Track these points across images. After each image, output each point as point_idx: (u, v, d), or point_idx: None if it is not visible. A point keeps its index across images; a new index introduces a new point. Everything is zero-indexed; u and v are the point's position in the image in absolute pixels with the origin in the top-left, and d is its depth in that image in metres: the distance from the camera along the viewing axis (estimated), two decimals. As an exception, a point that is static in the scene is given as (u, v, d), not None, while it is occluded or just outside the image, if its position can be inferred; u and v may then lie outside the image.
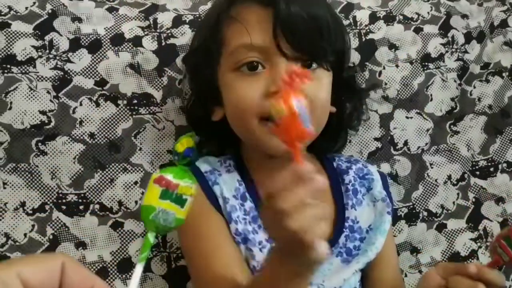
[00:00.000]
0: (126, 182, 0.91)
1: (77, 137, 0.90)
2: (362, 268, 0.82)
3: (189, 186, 0.60)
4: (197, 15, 0.98)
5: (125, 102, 0.92)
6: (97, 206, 0.90)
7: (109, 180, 0.90)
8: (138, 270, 0.56)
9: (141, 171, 0.92)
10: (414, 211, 1.00)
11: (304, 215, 0.53)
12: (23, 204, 0.88)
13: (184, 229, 0.81)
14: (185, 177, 0.60)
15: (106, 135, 0.91)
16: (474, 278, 0.66)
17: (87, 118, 0.91)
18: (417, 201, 1.00)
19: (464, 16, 1.07)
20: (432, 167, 1.02)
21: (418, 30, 1.04)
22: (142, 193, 0.90)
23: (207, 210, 0.79)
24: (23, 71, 0.89)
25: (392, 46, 1.03)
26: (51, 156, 0.89)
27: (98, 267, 0.89)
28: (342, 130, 0.92)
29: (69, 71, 0.91)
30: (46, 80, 0.90)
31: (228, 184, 0.81)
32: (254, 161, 0.85)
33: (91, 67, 0.92)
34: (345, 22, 1.01)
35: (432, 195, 1.01)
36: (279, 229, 0.54)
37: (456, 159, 1.02)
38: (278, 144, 0.73)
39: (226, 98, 0.80)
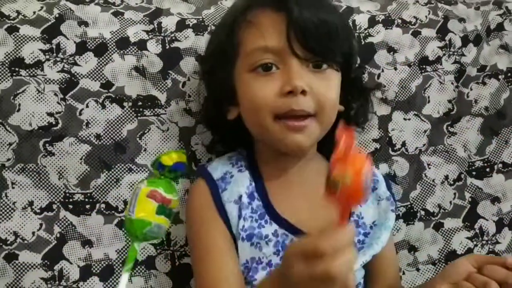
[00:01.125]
0: (131, 182, 0.93)
1: (84, 138, 0.92)
2: (368, 260, 0.86)
3: (177, 200, 0.62)
4: (200, 19, 1.00)
5: (130, 104, 0.95)
6: (103, 205, 0.92)
7: (114, 180, 0.93)
8: (124, 280, 0.58)
9: (146, 171, 0.94)
10: (412, 210, 1.02)
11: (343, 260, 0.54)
12: (31, 204, 0.90)
13: (188, 232, 0.88)
14: (173, 191, 0.62)
15: (112, 136, 0.93)
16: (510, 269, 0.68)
17: (94, 120, 0.93)
18: (415, 201, 1.03)
19: (461, 20, 1.09)
20: (429, 168, 1.04)
21: (416, 34, 1.07)
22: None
23: (212, 218, 0.83)
24: (31, 74, 0.92)
25: (391, 49, 1.05)
26: (58, 156, 0.91)
27: (104, 265, 0.91)
28: None
29: (75, 74, 0.93)
30: (53, 83, 0.92)
31: (240, 181, 0.85)
32: (265, 158, 0.88)
33: (97, 70, 0.94)
34: (345, 26, 1.04)
35: (430, 194, 1.03)
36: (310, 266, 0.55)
37: (453, 160, 1.05)
38: (290, 142, 0.80)
39: (242, 97, 0.84)
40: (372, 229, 0.88)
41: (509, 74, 1.08)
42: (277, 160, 0.86)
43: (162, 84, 0.96)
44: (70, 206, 0.91)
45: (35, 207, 0.90)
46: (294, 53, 0.79)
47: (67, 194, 0.91)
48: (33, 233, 0.89)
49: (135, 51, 0.96)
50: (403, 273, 1.01)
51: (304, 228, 0.83)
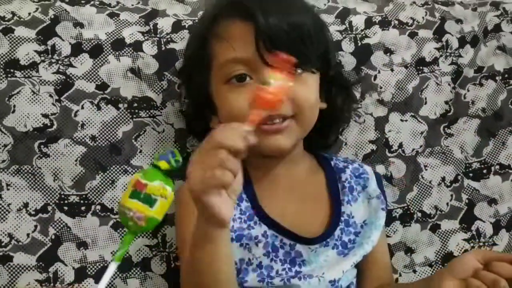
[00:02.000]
0: (126, 184, 0.93)
1: (79, 140, 0.92)
2: (359, 260, 0.86)
3: (158, 187, 0.60)
4: (196, 21, 1.00)
5: (125, 105, 0.94)
6: (98, 207, 0.92)
7: (110, 181, 0.93)
8: (112, 268, 0.58)
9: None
10: (408, 212, 1.02)
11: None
12: (26, 205, 0.90)
13: (176, 225, 0.87)
14: (158, 178, 0.61)
15: (107, 137, 0.93)
16: None
17: (89, 121, 0.93)
18: (412, 202, 1.02)
19: (459, 21, 1.09)
20: (426, 169, 1.04)
21: (413, 35, 1.06)
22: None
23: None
24: (26, 75, 0.91)
25: (388, 51, 1.05)
26: (53, 158, 0.91)
27: (99, 267, 0.91)
28: (333, 124, 0.96)
29: (71, 75, 0.93)
30: (48, 84, 0.92)
31: None
32: (252, 161, 0.87)
33: (92, 71, 0.94)
34: (341, 27, 1.04)
35: (426, 196, 1.03)
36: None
37: (450, 161, 1.05)
38: (270, 144, 0.80)
39: (220, 108, 0.84)
40: (363, 228, 0.88)
41: (506, 76, 1.08)
42: (263, 162, 0.86)
43: (158, 86, 0.96)
44: (65, 208, 0.91)
45: (30, 208, 0.90)
46: (265, 63, 0.77)
47: (62, 196, 0.91)
48: (28, 234, 0.89)
49: (130, 52, 0.96)
50: (400, 275, 1.00)
51: (293, 228, 0.83)
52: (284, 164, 0.88)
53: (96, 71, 0.94)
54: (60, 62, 0.93)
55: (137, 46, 0.96)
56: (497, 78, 1.08)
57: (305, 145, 0.91)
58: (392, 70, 1.04)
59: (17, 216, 0.89)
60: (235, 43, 0.80)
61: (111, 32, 0.96)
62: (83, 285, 0.90)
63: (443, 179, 1.04)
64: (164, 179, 0.62)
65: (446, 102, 1.06)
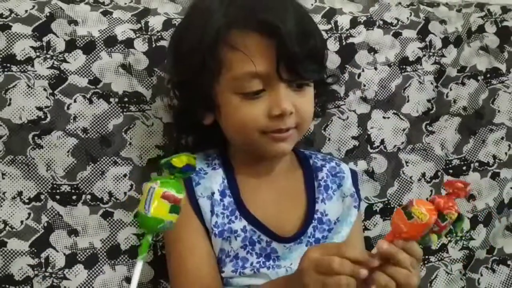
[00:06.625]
0: (116, 175, 0.97)
1: (71, 132, 0.96)
2: None
3: (185, 197, 0.68)
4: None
5: (116, 100, 0.98)
6: (88, 197, 0.96)
7: (100, 172, 0.97)
8: (139, 267, 0.65)
9: (130, 165, 0.98)
10: (388, 206, 1.05)
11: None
12: (20, 194, 0.94)
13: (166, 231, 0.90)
14: (182, 189, 0.68)
15: (98, 130, 0.97)
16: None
17: (81, 114, 0.96)
18: (392, 197, 1.06)
19: (443, 22, 1.12)
20: (407, 165, 1.07)
21: (397, 35, 1.09)
22: (131, 185, 0.97)
23: (187, 213, 0.86)
24: (22, 70, 0.95)
25: (372, 50, 1.08)
26: (46, 149, 0.95)
27: (89, 253, 0.95)
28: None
29: (64, 70, 0.97)
30: (43, 79, 0.96)
31: (214, 179, 0.89)
32: (240, 159, 0.92)
33: (85, 67, 0.98)
34: (327, 27, 1.07)
35: (407, 191, 1.06)
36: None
37: (431, 158, 1.07)
38: (276, 150, 0.85)
39: (227, 115, 0.84)
40: (336, 224, 0.91)
41: (488, 75, 1.11)
42: (251, 160, 0.90)
43: (148, 81, 0.99)
44: (57, 197, 0.95)
45: (24, 197, 0.94)
46: (281, 78, 0.80)
47: (55, 185, 0.95)
48: (22, 221, 0.93)
49: (122, 49, 1.00)
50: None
51: (271, 225, 0.87)
52: (269, 162, 0.92)
53: (89, 67, 0.98)
54: (54, 57, 0.97)
55: (128, 43, 1.00)
56: (479, 77, 1.11)
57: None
58: (375, 68, 1.07)
59: (12, 204, 0.93)
60: (254, 57, 0.79)
61: (104, 30, 1.00)
62: (73, 271, 0.94)
63: (424, 175, 1.07)
64: (182, 187, 0.68)
65: (429, 101, 1.08)
